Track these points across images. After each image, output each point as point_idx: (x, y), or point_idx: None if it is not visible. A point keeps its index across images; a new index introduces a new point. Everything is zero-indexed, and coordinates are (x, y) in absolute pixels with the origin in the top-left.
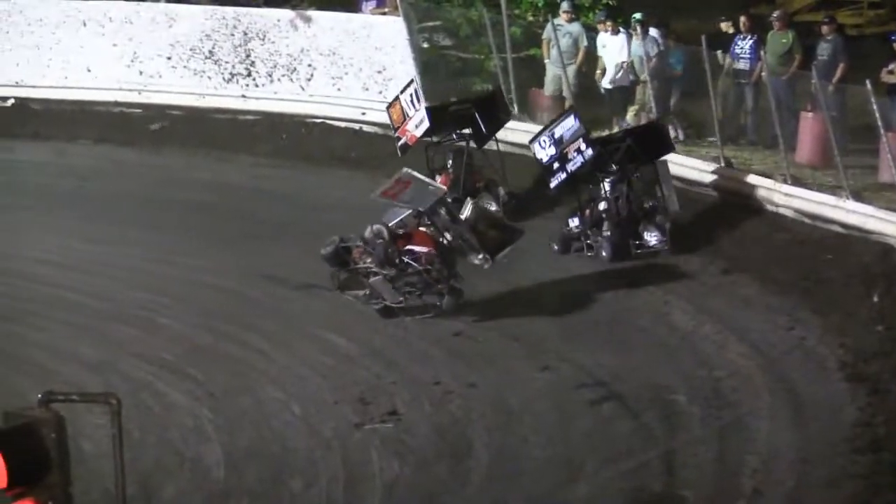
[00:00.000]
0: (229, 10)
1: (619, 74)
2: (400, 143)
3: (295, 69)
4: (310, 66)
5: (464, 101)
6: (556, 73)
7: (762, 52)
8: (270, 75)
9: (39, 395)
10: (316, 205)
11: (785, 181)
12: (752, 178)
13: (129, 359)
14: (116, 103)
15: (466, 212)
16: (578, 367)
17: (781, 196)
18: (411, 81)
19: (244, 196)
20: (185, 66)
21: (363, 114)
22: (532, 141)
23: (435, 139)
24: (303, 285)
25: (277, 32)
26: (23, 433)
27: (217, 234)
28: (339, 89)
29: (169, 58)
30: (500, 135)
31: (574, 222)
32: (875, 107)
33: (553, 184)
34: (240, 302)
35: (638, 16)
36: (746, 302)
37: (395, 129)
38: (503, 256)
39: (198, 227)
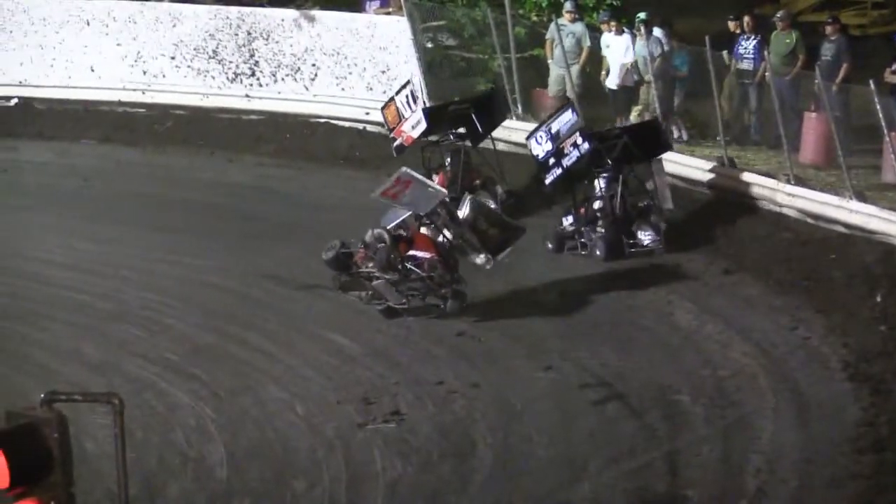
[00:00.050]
0: (233, 10)
1: (624, 75)
2: (395, 144)
3: (299, 69)
4: (313, 65)
5: (462, 102)
6: (560, 73)
7: (766, 53)
8: (274, 75)
9: (42, 395)
10: (319, 205)
11: (788, 181)
12: (755, 178)
13: (131, 358)
14: (120, 103)
15: (465, 208)
16: (581, 366)
17: (785, 196)
18: (408, 82)
19: (247, 196)
20: (188, 66)
21: (367, 114)
22: (529, 137)
23: (433, 138)
24: (306, 285)
25: (281, 32)
26: (25, 433)
27: (220, 233)
28: (342, 89)
29: (173, 57)
30: (503, 135)
31: (568, 220)
32: (878, 107)
33: (548, 180)
34: (243, 302)
35: (642, 15)
36: (749, 302)
37: (390, 130)
38: (505, 256)
39: (201, 227)
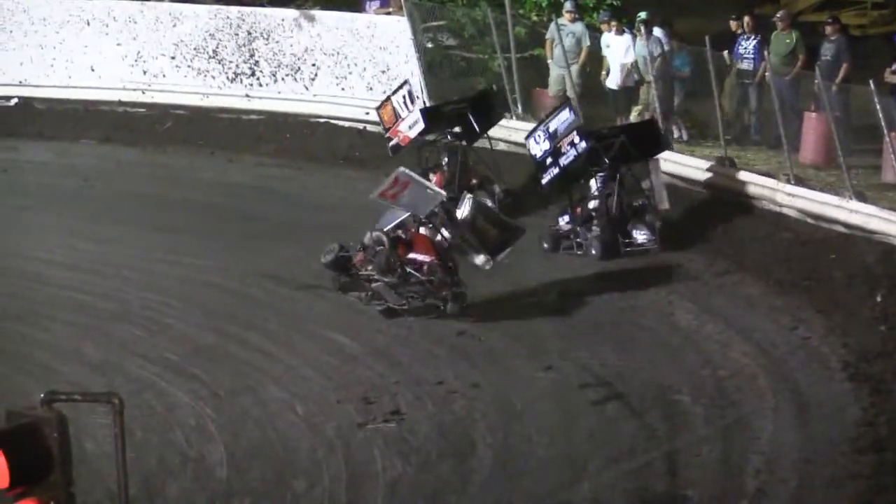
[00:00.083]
0: (233, 10)
1: (626, 76)
2: (391, 144)
3: (299, 69)
4: (314, 65)
5: (459, 101)
6: (560, 72)
7: (766, 53)
8: (274, 75)
9: (42, 395)
10: (319, 204)
11: (788, 181)
12: (755, 178)
13: (132, 358)
14: (120, 103)
15: (465, 207)
16: (581, 366)
17: (785, 196)
18: (405, 82)
19: (247, 196)
20: (188, 66)
21: (367, 114)
22: (528, 137)
23: (430, 137)
24: (306, 285)
25: (281, 32)
26: (25, 432)
27: (220, 233)
28: (343, 89)
29: (173, 57)
30: (503, 134)
31: (564, 220)
32: (878, 107)
33: (545, 180)
34: (243, 302)
35: (642, 15)
36: (749, 302)
37: (386, 130)
38: (504, 257)
39: (201, 227)
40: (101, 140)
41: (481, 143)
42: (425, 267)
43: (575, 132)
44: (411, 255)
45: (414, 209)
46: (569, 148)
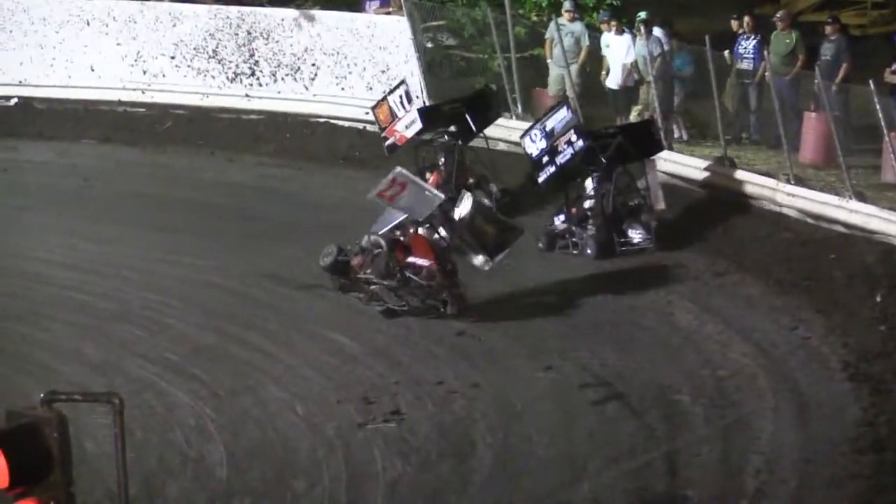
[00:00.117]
0: (233, 10)
1: (626, 76)
2: (388, 144)
3: (299, 69)
4: (313, 65)
5: (455, 101)
6: (560, 72)
7: (766, 53)
8: (274, 75)
9: (42, 395)
10: (319, 204)
11: (788, 181)
12: (755, 178)
13: (132, 358)
14: (120, 102)
15: (465, 205)
16: (581, 366)
17: (784, 196)
18: (402, 82)
19: (247, 196)
20: (188, 66)
21: (367, 113)
22: (523, 135)
23: (427, 136)
24: (306, 285)
25: (281, 32)
26: (25, 432)
27: (220, 233)
28: (342, 89)
29: (173, 57)
30: (503, 134)
31: (560, 219)
32: (878, 107)
33: (541, 179)
34: (243, 302)
35: (642, 15)
36: (749, 302)
37: (382, 130)
38: (503, 257)
39: (201, 227)
40: (101, 140)
41: (478, 142)
42: (425, 271)
43: (572, 131)
44: (410, 259)
45: (412, 212)
46: (566, 147)
